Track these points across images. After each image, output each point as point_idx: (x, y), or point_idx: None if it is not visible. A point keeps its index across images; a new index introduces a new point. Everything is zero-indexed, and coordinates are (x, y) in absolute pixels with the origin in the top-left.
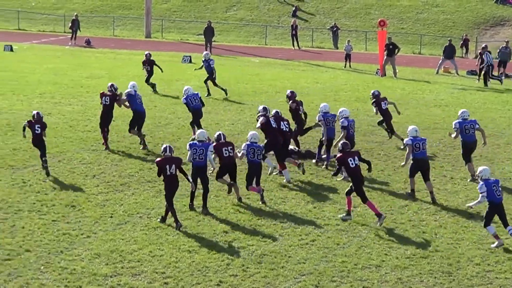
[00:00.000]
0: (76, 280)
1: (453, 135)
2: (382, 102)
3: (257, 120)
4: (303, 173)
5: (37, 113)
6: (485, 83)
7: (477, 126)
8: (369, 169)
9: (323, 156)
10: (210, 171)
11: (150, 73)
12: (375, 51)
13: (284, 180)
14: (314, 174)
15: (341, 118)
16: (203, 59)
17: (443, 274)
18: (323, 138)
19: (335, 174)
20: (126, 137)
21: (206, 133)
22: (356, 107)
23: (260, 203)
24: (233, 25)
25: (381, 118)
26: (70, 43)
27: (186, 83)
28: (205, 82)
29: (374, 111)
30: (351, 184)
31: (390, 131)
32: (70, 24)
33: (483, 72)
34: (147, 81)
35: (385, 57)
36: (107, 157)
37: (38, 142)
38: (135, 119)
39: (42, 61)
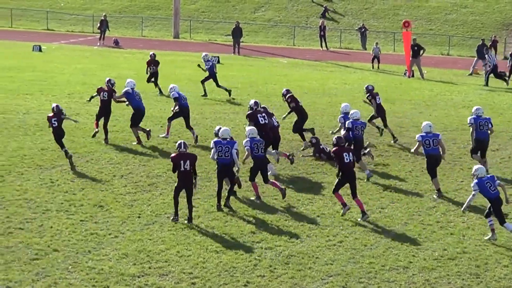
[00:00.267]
0: (104, 280)
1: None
2: (377, 97)
3: (247, 118)
4: (292, 163)
5: (56, 106)
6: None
7: (490, 125)
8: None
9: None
10: (236, 169)
11: (155, 73)
12: (403, 52)
13: (270, 173)
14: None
15: (348, 119)
16: (204, 60)
17: (471, 276)
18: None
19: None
20: (154, 138)
21: (229, 131)
22: (384, 108)
23: (282, 198)
24: (261, 25)
25: (372, 114)
26: (98, 44)
27: (214, 84)
28: (202, 82)
29: (372, 105)
30: (337, 181)
31: (384, 125)
32: (98, 25)
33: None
34: (149, 80)
35: (411, 58)
36: (135, 157)
37: (58, 134)
38: (136, 116)
39: (70, 61)
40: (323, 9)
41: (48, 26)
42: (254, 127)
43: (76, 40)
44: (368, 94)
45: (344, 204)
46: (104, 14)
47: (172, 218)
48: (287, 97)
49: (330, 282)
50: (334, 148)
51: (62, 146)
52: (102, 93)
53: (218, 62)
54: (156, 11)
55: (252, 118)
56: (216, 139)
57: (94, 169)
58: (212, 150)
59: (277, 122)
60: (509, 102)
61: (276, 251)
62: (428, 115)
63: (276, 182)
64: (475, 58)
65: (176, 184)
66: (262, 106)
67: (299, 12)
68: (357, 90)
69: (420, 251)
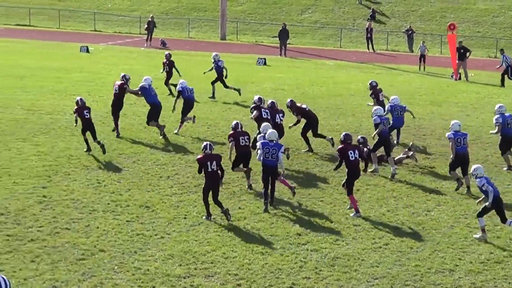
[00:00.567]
0: (150, 280)
1: (493, 131)
2: (379, 94)
3: (251, 112)
4: (287, 158)
5: (80, 99)
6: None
7: None
8: (365, 170)
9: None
10: (281, 173)
11: (169, 74)
12: (449, 54)
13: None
14: (388, 177)
15: (374, 116)
16: (212, 60)
17: None
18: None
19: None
20: (202, 140)
21: (276, 133)
22: (431, 110)
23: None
24: (308, 27)
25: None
26: (145, 45)
27: (260, 85)
28: (213, 83)
29: (372, 102)
30: (345, 182)
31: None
32: (145, 26)
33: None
34: (166, 83)
35: (457, 60)
36: (181, 158)
37: (89, 126)
38: (152, 112)
39: (117, 62)
40: (370, 11)
41: (96, 27)
42: (268, 123)
43: (123, 41)
44: (371, 91)
45: (357, 210)
46: (151, 15)
47: (205, 217)
48: (292, 109)
49: (376, 285)
50: (340, 146)
51: (94, 137)
52: (114, 86)
53: (265, 64)
54: (203, 12)
55: (256, 109)
56: (263, 140)
57: (140, 170)
58: (259, 152)
59: (282, 117)
60: None
61: (321, 253)
62: (475, 117)
63: (286, 180)
64: None
65: (203, 185)
66: (271, 101)
67: (346, 14)
68: (404, 92)
69: (466, 254)
